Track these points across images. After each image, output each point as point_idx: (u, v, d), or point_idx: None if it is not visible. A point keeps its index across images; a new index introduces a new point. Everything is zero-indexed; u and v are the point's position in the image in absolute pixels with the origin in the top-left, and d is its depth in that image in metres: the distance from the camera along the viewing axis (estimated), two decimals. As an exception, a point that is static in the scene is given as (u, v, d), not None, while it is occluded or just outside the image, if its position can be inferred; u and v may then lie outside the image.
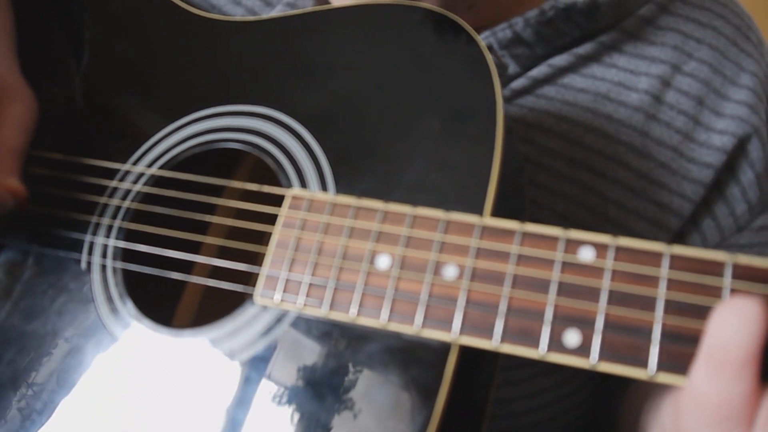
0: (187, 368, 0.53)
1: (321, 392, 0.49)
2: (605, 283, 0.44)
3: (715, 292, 0.41)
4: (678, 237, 0.71)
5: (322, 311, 0.50)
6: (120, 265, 0.60)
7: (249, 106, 0.60)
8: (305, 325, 0.51)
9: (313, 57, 0.60)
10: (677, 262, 0.43)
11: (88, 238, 0.62)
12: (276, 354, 0.51)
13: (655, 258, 0.43)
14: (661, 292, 0.42)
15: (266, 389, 0.50)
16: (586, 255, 0.45)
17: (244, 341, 0.52)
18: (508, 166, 0.52)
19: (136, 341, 0.56)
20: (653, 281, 0.43)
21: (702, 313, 0.41)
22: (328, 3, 0.71)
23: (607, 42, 0.71)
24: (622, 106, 0.70)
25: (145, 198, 0.62)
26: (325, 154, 0.56)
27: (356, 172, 0.54)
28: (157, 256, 0.59)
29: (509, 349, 0.45)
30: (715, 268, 0.42)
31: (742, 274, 0.41)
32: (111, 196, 0.62)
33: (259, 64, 0.62)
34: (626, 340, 0.42)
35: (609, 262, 0.44)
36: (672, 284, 0.42)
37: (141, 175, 0.62)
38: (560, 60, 0.70)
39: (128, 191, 0.62)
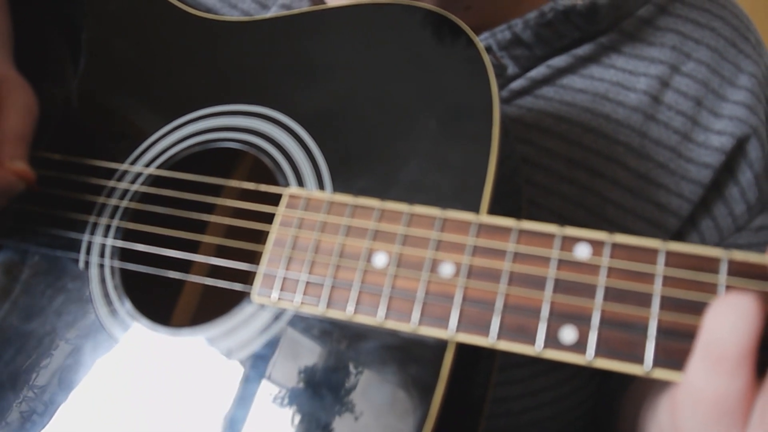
0: (185, 367, 0.53)
1: (318, 390, 0.49)
2: (601, 280, 0.44)
3: (711, 289, 0.41)
4: (677, 237, 0.71)
5: (319, 309, 0.50)
6: (118, 264, 0.60)
7: (246, 106, 0.61)
8: (302, 323, 0.51)
9: (311, 57, 0.60)
10: (673, 258, 0.43)
11: (86, 237, 0.62)
12: (273, 352, 0.51)
13: (650, 255, 0.43)
14: (657, 289, 0.42)
15: (264, 387, 0.51)
16: (582, 252, 0.45)
17: (242, 340, 0.52)
18: (504, 166, 0.52)
19: (135, 341, 0.56)
20: (649, 278, 0.43)
21: (698, 309, 0.41)
22: (323, 4, 0.71)
23: (606, 43, 0.71)
24: (620, 106, 0.70)
25: (143, 197, 0.62)
26: (322, 153, 0.56)
27: (353, 171, 0.54)
28: (155, 255, 0.59)
29: (506, 346, 0.45)
30: (711, 265, 0.42)
31: (738, 270, 0.41)
32: (109, 195, 0.63)
33: (257, 64, 0.62)
34: (622, 337, 0.42)
35: (605, 259, 0.44)
36: (668, 281, 0.42)
37: (139, 174, 0.62)
38: (559, 61, 0.70)
39: (126, 191, 0.62)
